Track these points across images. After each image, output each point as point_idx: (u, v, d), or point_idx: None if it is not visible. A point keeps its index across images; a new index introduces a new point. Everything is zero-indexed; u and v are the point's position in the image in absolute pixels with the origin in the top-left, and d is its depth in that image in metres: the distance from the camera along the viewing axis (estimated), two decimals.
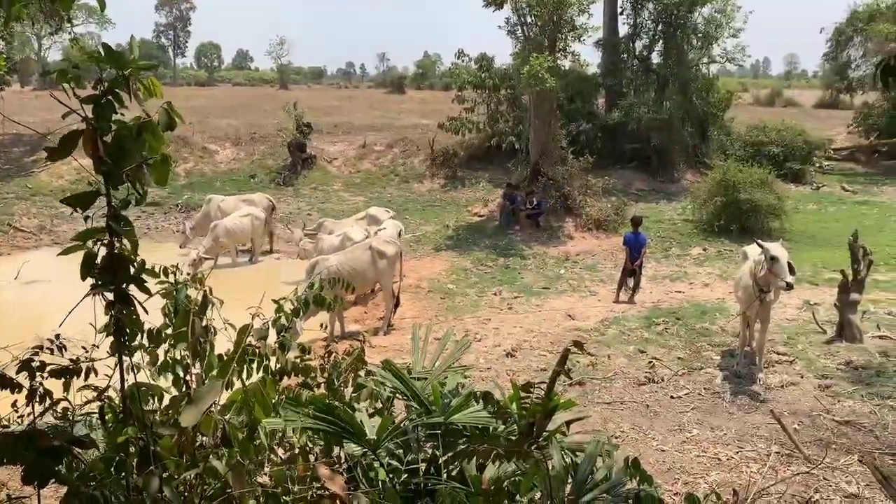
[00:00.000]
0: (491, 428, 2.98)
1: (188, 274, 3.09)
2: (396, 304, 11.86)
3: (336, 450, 2.84)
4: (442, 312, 12.24)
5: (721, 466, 6.80)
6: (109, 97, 2.08)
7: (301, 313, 3.48)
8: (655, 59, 24.48)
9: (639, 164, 23.13)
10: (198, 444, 2.37)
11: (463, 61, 20.73)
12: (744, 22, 23.36)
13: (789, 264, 8.48)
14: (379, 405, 3.22)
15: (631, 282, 12.82)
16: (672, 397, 8.47)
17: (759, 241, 8.81)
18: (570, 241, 17.12)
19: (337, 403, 2.98)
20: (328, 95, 55.22)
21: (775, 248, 8.32)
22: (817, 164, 25.33)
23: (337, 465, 2.77)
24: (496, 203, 18.69)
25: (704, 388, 8.70)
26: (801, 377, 9.00)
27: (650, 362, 9.55)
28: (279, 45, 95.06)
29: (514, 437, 2.63)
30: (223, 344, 2.87)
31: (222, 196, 17.85)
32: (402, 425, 2.92)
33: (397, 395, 3.24)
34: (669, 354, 9.90)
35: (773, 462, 6.83)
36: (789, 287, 8.14)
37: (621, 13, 24.57)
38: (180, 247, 15.98)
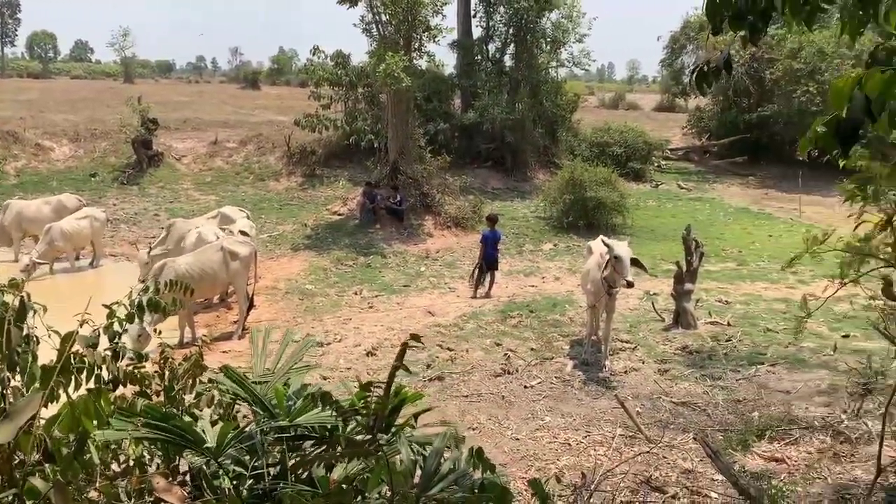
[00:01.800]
0: (340, 428, 2.93)
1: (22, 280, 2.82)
2: (251, 307, 11.49)
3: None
4: (300, 314, 12.00)
5: (571, 451, 7.11)
6: None
7: (136, 318, 3.27)
8: (508, 61, 25.30)
9: (494, 164, 23.81)
10: (17, 462, 2.17)
11: (319, 58, 20.43)
12: (588, 28, 24.76)
13: (639, 261, 9.05)
14: (223, 411, 3.10)
15: (487, 277, 13.16)
16: (526, 387, 8.77)
17: (605, 239, 9.31)
18: (430, 238, 17.33)
19: (174, 411, 2.84)
20: (177, 90, 52.58)
21: (620, 247, 8.78)
22: (656, 164, 27.16)
23: (180, 476, 2.65)
24: (356, 201, 18.55)
25: (555, 377, 9.08)
26: (643, 363, 9.61)
27: (505, 354, 9.85)
28: (123, 36, 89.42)
29: (359, 436, 2.61)
30: (52, 354, 2.65)
31: (23, 202, 16.11)
32: (246, 431, 2.82)
33: (238, 400, 3.12)
34: (523, 346, 10.26)
35: (618, 444, 7.23)
36: (629, 285, 8.66)
37: (474, 16, 25.21)
38: None
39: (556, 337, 10.65)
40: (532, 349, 10.13)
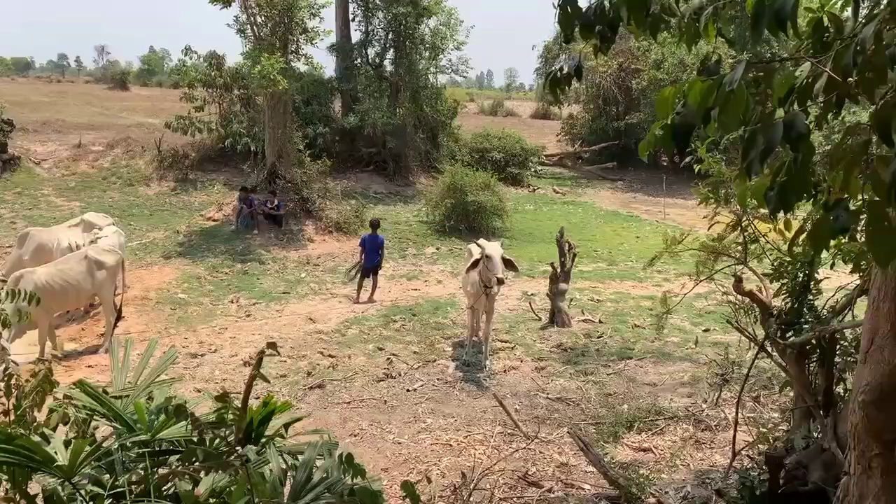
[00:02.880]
0: (206, 441, 2.84)
1: None
2: (118, 318, 10.87)
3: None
4: (173, 324, 11.47)
5: (452, 451, 7.20)
6: None
7: None
8: (388, 66, 25.30)
9: (376, 168, 23.76)
10: None
11: (191, 59, 19.61)
12: (466, 36, 25.19)
13: (511, 261, 9.31)
14: (80, 429, 2.93)
15: (369, 282, 13.10)
16: (408, 390, 8.80)
17: (477, 241, 9.55)
18: (311, 244, 17.04)
19: (21, 431, 2.65)
20: (36, 90, 48.86)
21: (490, 247, 9.08)
22: (533, 169, 28.01)
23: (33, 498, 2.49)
24: (232, 207, 17.96)
25: (437, 379, 9.17)
26: (521, 361, 9.88)
27: (388, 359, 9.84)
28: None
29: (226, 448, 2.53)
30: None
31: None
32: (105, 447, 2.67)
33: (95, 416, 2.96)
34: (406, 349, 10.29)
35: (497, 442, 7.40)
36: (500, 282, 8.92)
37: (353, 20, 25.04)
38: None
39: (438, 339, 10.75)
40: (415, 352, 10.18)
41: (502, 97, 70.56)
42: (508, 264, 9.34)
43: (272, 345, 2.93)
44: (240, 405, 2.70)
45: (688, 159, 7.08)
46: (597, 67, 27.71)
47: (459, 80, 31.27)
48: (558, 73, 3.03)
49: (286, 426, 3.02)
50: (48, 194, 20.27)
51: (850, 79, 1.84)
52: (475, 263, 9.27)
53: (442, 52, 24.90)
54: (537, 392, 8.77)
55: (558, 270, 11.36)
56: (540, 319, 11.57)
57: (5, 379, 2.97)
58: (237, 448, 2.51)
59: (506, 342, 10.58)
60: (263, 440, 2.83)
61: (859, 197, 1.86)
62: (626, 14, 2.72)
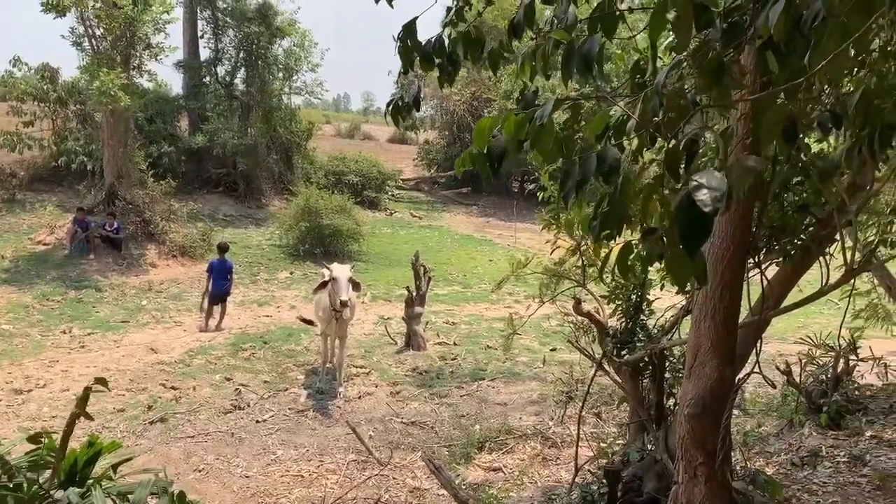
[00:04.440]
0: (21, 485, 2.61)
1: None
2: None
3: None
4: None
5: (303, 482, 7.01)
6: None
7: None
8: (239, 85, 24.66)
9: (226, 190, 22.96)
10: None
11: (20, 70, 18.10)
12: (321, 58, 25.01)
13: (357, 282, 9.27)
14: None
15: (217, 309, 12.59)
16: (258, 421, 8.49)
17: (326, 264, 9.46)
18: (154, 269, 16.15)
19: None
20: None
21: (337, 269, 8.98)
22: (390, 193, 28.20)
23: None
24: (66, 229, 16.66)
25: (289, 409, 8.92)
26: (376, 386, 9.83)
27: (237, 389, 9.47)
28: None
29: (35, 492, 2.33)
30: None
31: None
32: None
33: None
34: (256, 379, 9.95)
35: (350, 470, 7.29)
36: (343, 304, 8.82)
37: (202, 37, 24.26)
38: None
39: (290, 367, 10.49)
40: (265, 381, 9.86)
41: (359, 120, 70.53)
42: (355, 286, 9.31)
43: (101, 380, 2.77)
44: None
45: (532, 186, 7.42)
46: (450, 96, 28.47)
47: (315, 102, 30.95)
48: (399, 101, 3.10)
49: (114, 466, 2.85)
50: None
51: (656, 118, 2.02)
52: (323, 285, 9.16)
53: (296, 73, 24.58)
54: (392, 417, 8.75)
55: (414, 294, 11.46)
56: (396, 343, 11.61)
57: None
58: (52, 492, 2.33)
59: (361, 367, 10.50)
60: (89, 482, 2.65)
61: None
62: (462, 50, 2.83)
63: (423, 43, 3.04)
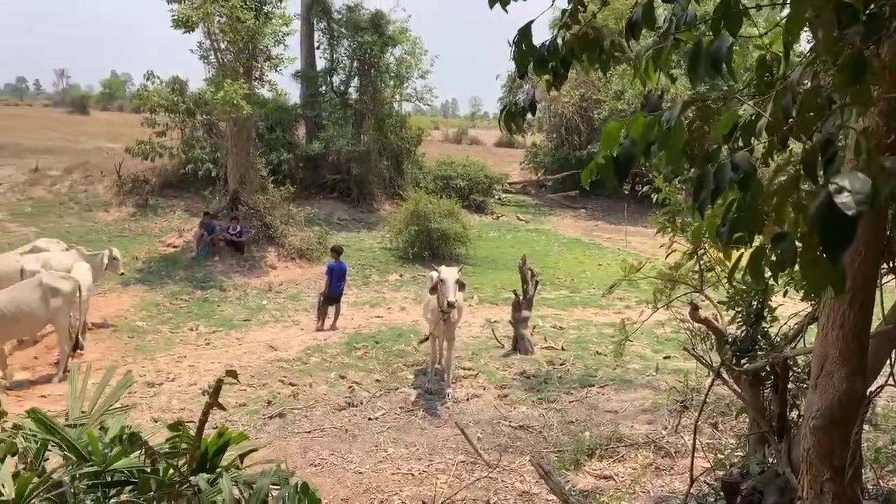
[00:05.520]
0: (161, 470, 2.80)
1: None
2: (76, 347, 10.62)
3: None
4: (130, 353, 11.24)
5: (413, 481, 7.14)
6: None
7: None
8: (353, 93, 25.42)
9: (340, 195, 23.75)
10: None
11: (153, 83, 19.48)
12: (431, 65, 25.41)
13: (462, 283, 9.37)
14: (30, 460, 2.84)
15: (332, 310, 13.02)
16: (370, 419, 8.72)
17: (434, 266, 9.60)
18: (273, 270, 16.89)
19: None
20: None
21: (445, 271, 9.13)
22: (497, 197, 28.25)
23: None
24: (193, 233, 17.73)
25: (400, 407, 9.11)
26: (484, 389, 9.87)
27: (350, 387, 9.76)
28: None
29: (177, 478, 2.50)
30: None
31: None
32: (54, 479, 2.62)
33: (49, 446, 2.90)
34: (368, 377, 10.22)
35: (459, 471, 7.36)
36: (451, 306, 8.92)
37: (318, 48, 25.20)
38: None
39: (400, 367, 10.70)
40: (377, 380, 10.11)
41: (467, 125, 71.17)
42: (461, 286, 9.41)
43: (232, 373, 2.92)
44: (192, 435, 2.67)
45: (646, 188, 7.25)
46: (559, 97, 28.20)
47: (424, 109, 31.53)
48: (513, 106, 3.10)
49: (241, 457, 2.99)
50: (2, 220, 19.80)
51: (791, 119, 1.93)
52: (434, 288, 9.31)
53: (407, 80, 25.11)
54: (500, 420, 8.76)
55: (521, 298, 11.43)
56: (503, 347, 11.60)
57: None
58: (189, 478, 2.48)
59: (468, 370, 10.57)
60: (218, 470, 2.80)
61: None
62: (579, 52, 2.80)
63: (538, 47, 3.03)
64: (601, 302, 14.74)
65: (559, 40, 3.02)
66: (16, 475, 2.65)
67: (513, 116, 3.12)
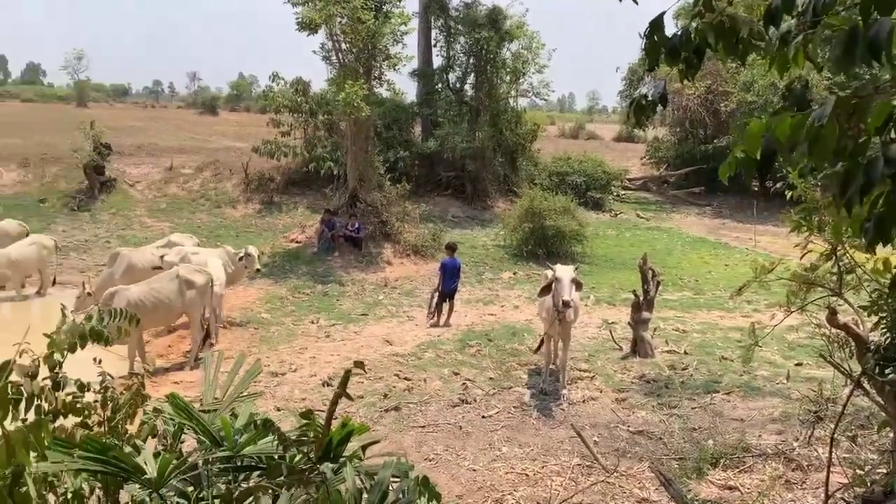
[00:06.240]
0: (287, 457, 2.89)
1: None
2: (206, 337, 11.26)
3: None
4: (255, 343, 11.77)
5: (527, 481, 7.04)
6: None
7: (79, 348, 3.17)
8: (468, 90, 25.50)
9: (454, 192, 23.92)
10: None
11: (278, 84, 20.33)
12: (548, 59, 25.09)
13: (580, 282, 9.15)
14: (168, 441, 3.03)
15: (446, 306, 13.11)
16: (483, 417, 8.69)
17: (549, 265, 9.43)
18: (389, 266, 17.24)
19: (115, 442, 2.76)
20: (132, 115, 51.85)
21: (560, 270, 8.94)
22: (615, 193, 27.55)
23: None
24: (314, 229, 18.41)
25: (513, 407, 9.02)
26: (601, 392, 9.61)
27: (464, 384, 9.77)
28: (76, 59, 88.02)
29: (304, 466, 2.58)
30: None
31: None
32: (190, 461, 2.74)
33: (185, 430, 3.06)
34: (482, 375, 10.19)
35: (575, 474, 7.19)
36: (566, 305, 8.70)
37: (435, 45, 25.44)
38: None
39: (514, 366, 10.61)
40: (490, 379, 10.07)
41: (584, 120, 70.08)
42: (577, 285, 9.21)
43: (360, 364, 2.99)
44: (320, 423, 2.72)
45: (779, 185, 6.82)
46: (683, 90, 27.09)
47: (540, 104, 31.20)
48: (643, 100, 2.98)
49: (363, 448, 3.04)
50: (141, 215, 21.33)
51: None
52: (547, 287, 9.15)
53: (523, 75, 24.90)
54: (617, 424, 8.50)
55: (641, 298, 11.04)
56: (621, 349, 11.27)
57: (101, 391, 3.10)
58: (317, 466, 2.55)
59: (584, 371, 10.32)
60: (342, 459, 2.86)
61: None
62: (714, 40, 2.67)
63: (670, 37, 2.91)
64: (727, 304, 14.03)
65: (692, 29, 2.89)
66: (156, 455, 2.79)
67: (643, 109, 2.99)
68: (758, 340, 7.44)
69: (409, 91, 26.05)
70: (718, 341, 11.85)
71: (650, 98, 3.08)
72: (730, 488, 6.92)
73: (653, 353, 10.96)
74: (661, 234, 23.08)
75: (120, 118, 42.57)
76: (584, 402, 9.23)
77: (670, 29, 2.96)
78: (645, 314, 11.05)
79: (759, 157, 2.15)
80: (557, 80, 36.92)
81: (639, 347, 10.98)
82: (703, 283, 16.59)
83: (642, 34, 2.94)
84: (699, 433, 8.24)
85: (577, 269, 9.40)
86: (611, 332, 11.88)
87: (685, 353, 11.21)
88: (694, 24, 2.91)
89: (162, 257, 12.42)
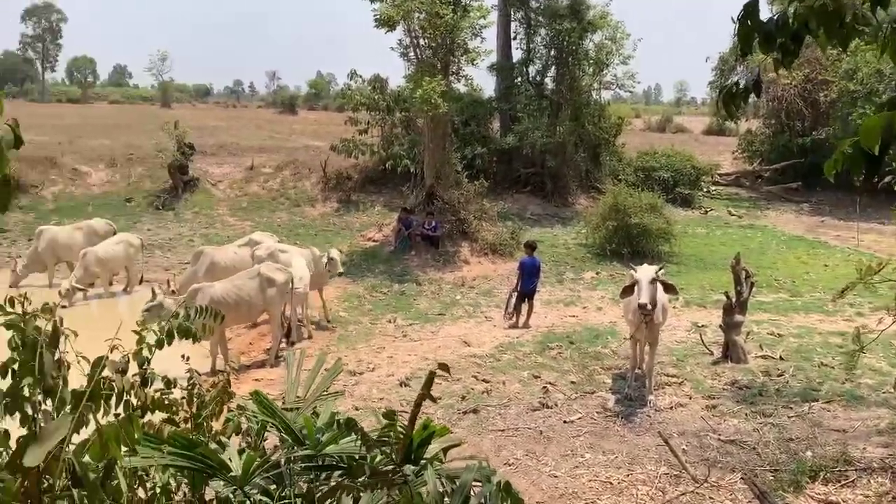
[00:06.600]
0: (368, 458, 2.84)
1: (62, 305, 2.77)
2: (287, 335, 11.39)
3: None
4: (334, 342, 11.82)
5: (612, 490, 6.75)
6: None
7: (166, 344, 3.23)
8: (549, 84, 25.00)
9: (534, 189, 23.50)
10: (45, 486, 2.15)
11: (356, 82, 20.48)
12: (633, 49, 24.15)
13: (671, 285, 8.72)
14: (251, 439, 3.11)
15: (525, 307, 12.83)
16: (565, 422, 8.40)
17: (633, 265, 9.04)
18: (466, 265, 17.06)
19: (201, 439, 2.85)
20: (214, 115, 53.73)
21: (641, 270, 8.58)
22: (705, 189, 26.55)
23: None
24: (391, 227, 18.42)
25: (597, 412, 8.70)
26: (690, 398, 9.16)
27: (544, 387, 9.49)
28: (161, 60, 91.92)
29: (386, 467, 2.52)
30: (81, 380, 2.57)
31: (56, 227, 16.23)
32: (273, 459, 2.76)
33: (268, 427, 3.07)
34: (563, 378, 9.88)
35: (662, 483, 6.85)
36: (641, 307, 8.30)
37: (514, 38, 25.02)
38: (10, 286, 14.31)
39: (597, 370, 10.24)
40: (572, 382, 9.75)
41: (671, 112, 68.27)
42: (668, 288, 8.77)
43: (444, 366, 2.98)
44: (402, 424, 2.69)
45: (887, 179, 6.33)
46: (779, 79, 25.73)
47: (625, 96, 30.47)
48: (734, 88, 2.74)
49: (444, 450, 2.97)
50: (223, 214, 21.94)
51: None
52: (630, 288, 8.77)
53: (606, 67, 24.14)
54: (707, 432, 8.05)
55: (733, 300, 10.47)
56: (711, 353, 10.72)
57: (188, 388, 3.18)
58: (400, 467, 2.54)
59: (673, 377, 9.86)
60: (423, 462, 2.79)
61: None
62: (816, 25, 2.42)
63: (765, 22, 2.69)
64: (828, 307, 13.19)
65: (790, 13, 2.67)
66: (240, 452, 2.79)
67: (734, 97, 2.77)
68: (863, 346, 6.93)
69: (487, 86, 25.80)
70: (817, 346, 11.15)
71: (743, 86, 2.85)
72: (831, 503, 6.48)
73: (746, 358, 10.40)
74: (754, 233, 22.06)
75: (202, 118, 44.17)
76: (671, 408, 8.82)
77: (765, 13, 2.80)
78: (738, 317, 10.50)
79: (877, 153, 1.93)
80: (643, 70, 35.89)
81: (731, 352, 10.43)
82: (800, 284, 15.70)
83: (735, 19, 2.78)
84: (796, 444, 7.79)
85: (661, 268, 8.98)
86: (701, 335, 11.32)
87: (781, 358, 10.59)
88: (792, 9, 2.72)
89: (253, 254, 12.69)
